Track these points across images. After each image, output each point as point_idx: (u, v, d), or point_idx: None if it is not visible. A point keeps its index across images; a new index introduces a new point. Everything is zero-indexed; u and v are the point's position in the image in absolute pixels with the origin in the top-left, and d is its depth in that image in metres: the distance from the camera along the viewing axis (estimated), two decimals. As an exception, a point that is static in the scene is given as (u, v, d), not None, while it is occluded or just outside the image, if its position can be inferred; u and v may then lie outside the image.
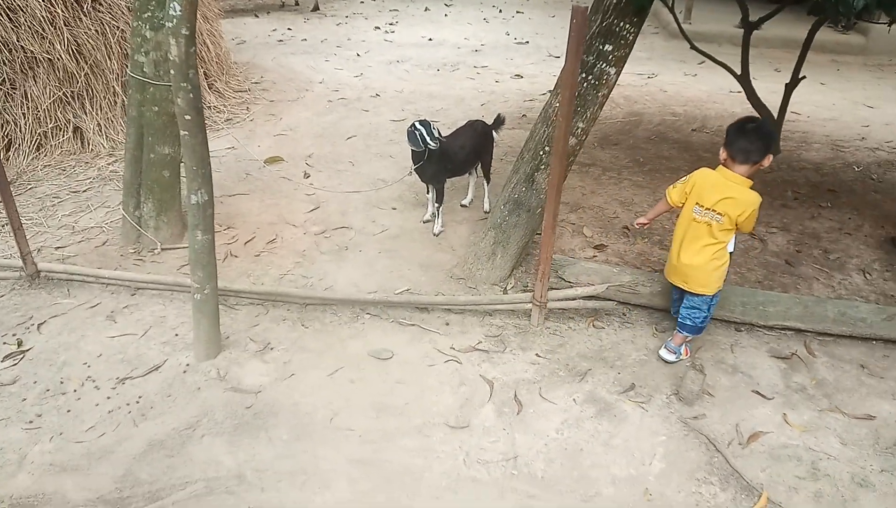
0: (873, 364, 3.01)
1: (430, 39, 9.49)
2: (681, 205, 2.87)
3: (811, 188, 4.83)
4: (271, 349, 3.01)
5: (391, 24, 10.52)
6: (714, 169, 2.78)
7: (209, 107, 6.10)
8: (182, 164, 3.09)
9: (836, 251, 3.97)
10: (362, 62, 8.21)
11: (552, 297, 3.17)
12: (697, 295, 2.88)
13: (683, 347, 3.02)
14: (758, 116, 2.96)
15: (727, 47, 8.76)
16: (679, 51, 8.70)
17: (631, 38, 3.08)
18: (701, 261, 2.80)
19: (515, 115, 6.24)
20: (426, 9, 12.07)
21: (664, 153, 5.39)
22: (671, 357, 2.99)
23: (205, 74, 6.33)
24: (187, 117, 2.41)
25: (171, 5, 2.27)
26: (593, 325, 3.25)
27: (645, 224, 3.13)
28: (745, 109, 6.63)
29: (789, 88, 3.98)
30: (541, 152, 3.32)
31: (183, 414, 2.61)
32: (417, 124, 3.68)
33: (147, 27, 3.42)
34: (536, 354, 3.02)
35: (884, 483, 2.36)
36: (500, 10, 12.06)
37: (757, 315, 3.21)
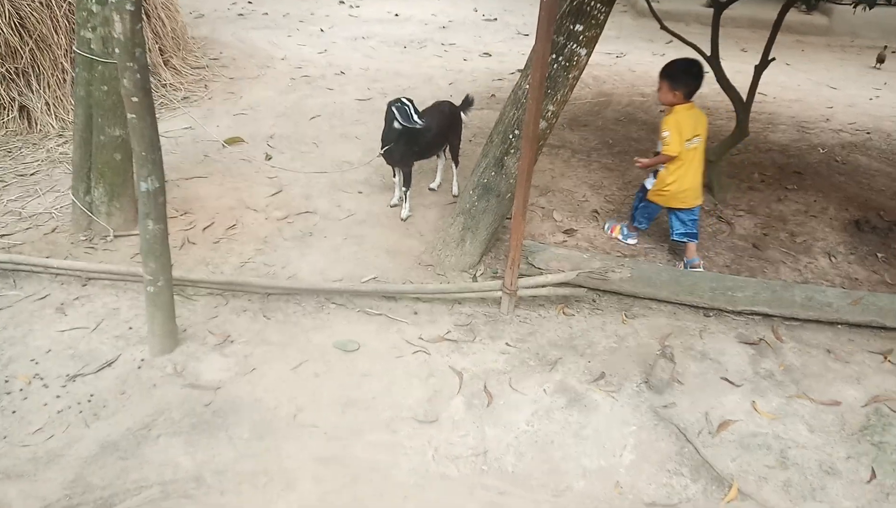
0: (839, 349, 3.03)
1: (397, 15, 9.27)
2: (675, 153, 3.35)
3: (777, 170, 4.84)
4: (231, 341, 2.89)
5: (356, -1, 10.24)
6: (673, 113, 3.35)
7: (165, 84, 5.84)
8: (133, 148, 2.91)
9: (803, 234, 3.99)
10: (326, 38, 7.97)
11: (522, 285, 3.11)
12: (696, 207, 3.53)
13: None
14: (691, 58, 3.45)
15: (695, 26, 8.75)
16: (647, 30, 8.67)
17: (602, 17, 2.99)
18: (700, 177, 3.48)
19: (484, 95, 6.13)
20: (392, -17, 11.78)
21: (633, 135, 5.36)
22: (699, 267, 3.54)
23: (160, 49, 6.05)
24: (134, 99, 2.25)
25: (114, -22, 2.10)
26: (563, 312, 3.20)
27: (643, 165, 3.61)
28: (713, 88, 6.62)
29: (758, 70, 3.95)
30: (510, 136, 3.23)
31: (138, 413, 2.49)
32: (405, 100, 3.56)
33: (93, 1, 3.21)
34: (506, 343, 2.97)
35: (850, 471, 2.37)
36: (468, -14, 11.84)
37: (725, 300, 3.21)
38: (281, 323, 3.03)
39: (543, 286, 3.14)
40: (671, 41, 8.18)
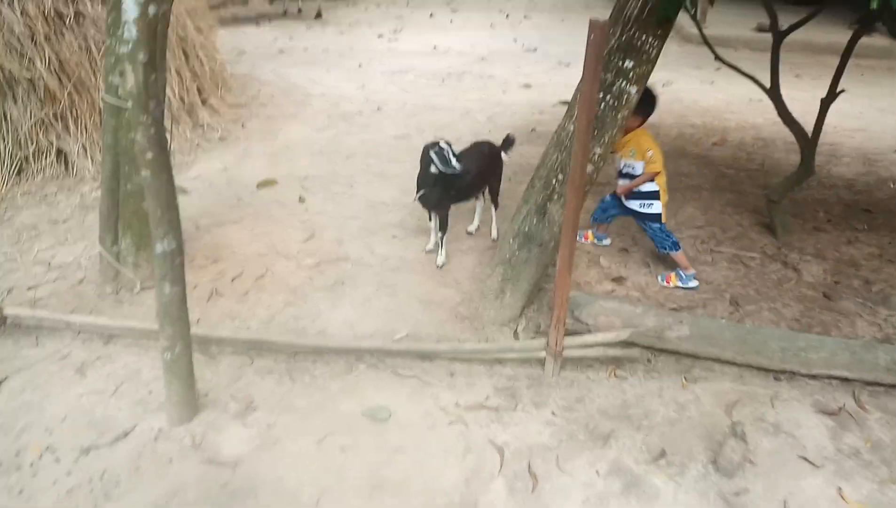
0: (935, 421, 2.66)
1: (435, 47, 9.20)
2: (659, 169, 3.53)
3: (844, 208, 4.47)
4: (254, 408, 2.69)
5: (395, 32, 10.25)
6: (643, 134, 3.47)
7: (202, 124, 5.81)
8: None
9: (879, 282, 3.61)
10: (364, 73, 7.93)
11: (569, 344, 2.83)
12: None
13: None
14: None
15: (744, 52, 8.41)
16: (694, 56, 8.36)
17: (654, 53, 2.74)
18: None
19: (524, 129, 5.92)
20: (431, 15, 11.80)
21: (683, 170, 5.05)
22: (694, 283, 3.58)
23: (198, 89, 6.05)
24: (148, 155, 2.10)
25: (126, 27, 1.96)
26: (615, 374, 2.91)
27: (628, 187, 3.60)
28: (768, 118, 6.28)
29: (825, 103, 3.62)
30: (553, 181, 2.99)
31: (151, 493, 2.29)
32: (442, 143, 3.38)
33: (121, 46, 3.12)
34: (552, 412, 2.69)
35: (966, 582, 2.01)
36: (507, 16, 11.77)
37: (798, 362, 2.86)
38: (307, 386, 2.82)
39: (592, 346, 2.87)
40: (720, 68, 7.85)
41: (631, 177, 3.54)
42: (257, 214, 4.35)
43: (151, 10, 1.95)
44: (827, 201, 4.54)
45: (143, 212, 3.42)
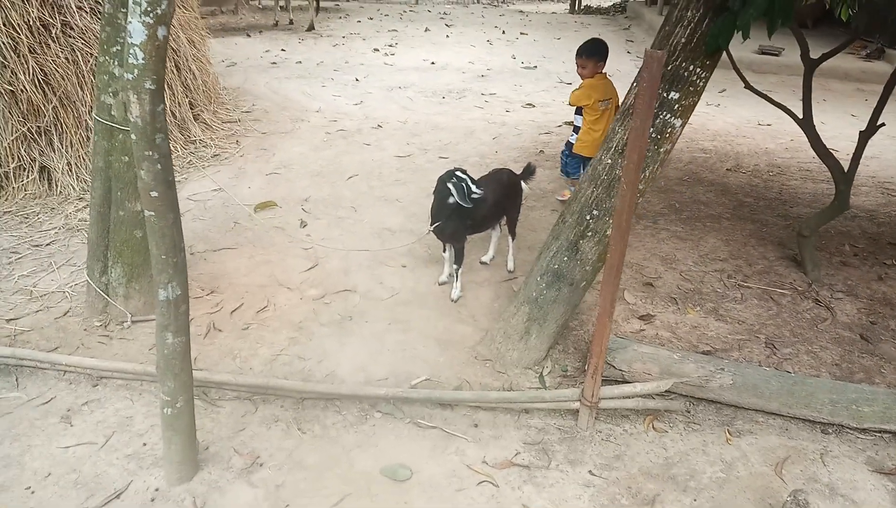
0: None
1: (433, 63, 9.00)
2: (580, 105, 4.32)
3: (870, 241, 4.31)
4: (260, 464, 2.42)
5: (390, 46, 10.04)
6: (592, 79, 4.26)
7: (194, 141, 5.53)
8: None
9: (917, 323, 3.45)
10: (362, 88, 7.69)
11: (605, 395, 2.61)
12: None
13: None
14: (597, 38, 4.41)
15: (746, 74, 8.30)
16: (696, 78, 8.25)
17: (701, 84, 2.55)
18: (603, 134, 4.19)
19: (531, 150, 5.72)
20: (426, 29, 11.62)
21: (700, 197, 4.87)
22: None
23: (190, 104, 5.78)
24: (154, 194, 1.85)
25: (132, 52, 1.71)
26: (653, 426, 2.69)
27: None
28: (780, 144, 6.16)
29: (864, 137, 3.47)
30: (587, 217, 2.77)
31: (147, 569, 2.03)
32: (460, 173, 3.17)
33: (115, 63, 2.87)
34: (590, 471, 2.46)
35: None
36: (504, 32, 11.64)
37: (849, 416, 2.67)
38: (318, 438, 2.57)
39: (630, 398, 2.64)
40: (724, 90, 7.77)
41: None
42: (256, 239, 4.08)
43: (161, 33, 1.71)
44: (851, 234, 4.39)
45: (136, 240, 3.16)
